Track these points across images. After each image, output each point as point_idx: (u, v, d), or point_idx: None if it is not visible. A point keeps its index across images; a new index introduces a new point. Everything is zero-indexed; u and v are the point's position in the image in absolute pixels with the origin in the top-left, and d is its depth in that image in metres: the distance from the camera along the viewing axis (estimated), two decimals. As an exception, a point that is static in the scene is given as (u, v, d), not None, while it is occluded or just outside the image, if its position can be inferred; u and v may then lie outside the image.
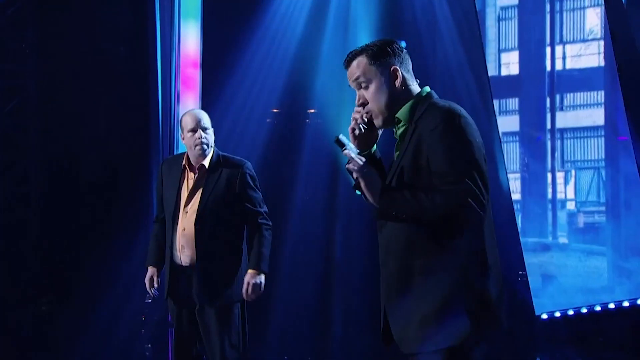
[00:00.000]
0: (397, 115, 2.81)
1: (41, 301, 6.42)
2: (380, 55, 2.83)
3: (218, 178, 4.43)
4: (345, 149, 2.79)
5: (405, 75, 2.84)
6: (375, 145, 2.97)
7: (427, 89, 2.87)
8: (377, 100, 2.81)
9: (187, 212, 4.42)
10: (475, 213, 2.58)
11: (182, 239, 4.41)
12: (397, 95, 2.81)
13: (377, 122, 2.85)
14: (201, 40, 6.53)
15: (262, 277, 4.43)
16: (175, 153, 6.08)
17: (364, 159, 2.76)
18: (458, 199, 2.57)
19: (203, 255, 4.38)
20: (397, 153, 2.81)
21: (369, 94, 2.83)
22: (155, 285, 4.56)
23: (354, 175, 2.75)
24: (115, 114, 6.50)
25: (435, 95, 2.85)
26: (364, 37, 6.58)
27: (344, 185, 6.59)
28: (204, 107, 6.34)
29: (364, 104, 2.85)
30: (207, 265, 4.38)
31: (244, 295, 4.41)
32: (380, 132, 2.95)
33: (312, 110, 6.97)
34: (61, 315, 6.32)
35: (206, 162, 4.48)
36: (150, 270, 4.59)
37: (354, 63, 2.85)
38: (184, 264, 4.43)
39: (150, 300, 6.17)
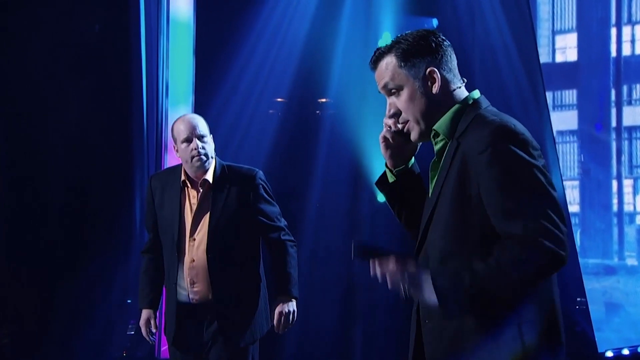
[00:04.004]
0: (434, 127, 2.52)
1: (1, 333, 6.02)
2: (413, 53, 2.52)
3: (227, 195, 4.12)
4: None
5: (447, 76, 2.52)
6: (413, 158, 2.70)
7: (476, 93, 2.55)
8: (411, 111, 2.53)
9: (194, 239, 4.10)
10: (557, 259, 2.22)
11: (192, 272, 4.08)
12: (435, 103, 2.51)
13: (414, 135, 2.56)
14: (194, 17, 6.26)
15: (294, 304, 4.20)
16: (162, 157, 6.00)
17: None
18: (533, 249, 2.22)
19: (220, 290, 4.07)
20: (433, 174, 2.54)
21: (400, 102, 2.54)
22: (154, 330, 4.29)
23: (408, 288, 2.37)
24: (89, 110, 6.07)
25: (484, 104, 2.52)
26: (388, 13, 6.46)
27: (367, 191, 6.47)
28: (198, 98, 6.20)
29: (396, 114, 2.57)
30: (224, 301, 4.08)
31: (276, 327, 4.17)
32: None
33: (324, 100, 6.76)
34: (27, 351, 5.97)
35: (209, 177, 4.12)
36: (146, 313, 4.28)
37: (382, 64, 2.56)
38: (194, 302, 4.10)
39: (133, 332, 5.94)
